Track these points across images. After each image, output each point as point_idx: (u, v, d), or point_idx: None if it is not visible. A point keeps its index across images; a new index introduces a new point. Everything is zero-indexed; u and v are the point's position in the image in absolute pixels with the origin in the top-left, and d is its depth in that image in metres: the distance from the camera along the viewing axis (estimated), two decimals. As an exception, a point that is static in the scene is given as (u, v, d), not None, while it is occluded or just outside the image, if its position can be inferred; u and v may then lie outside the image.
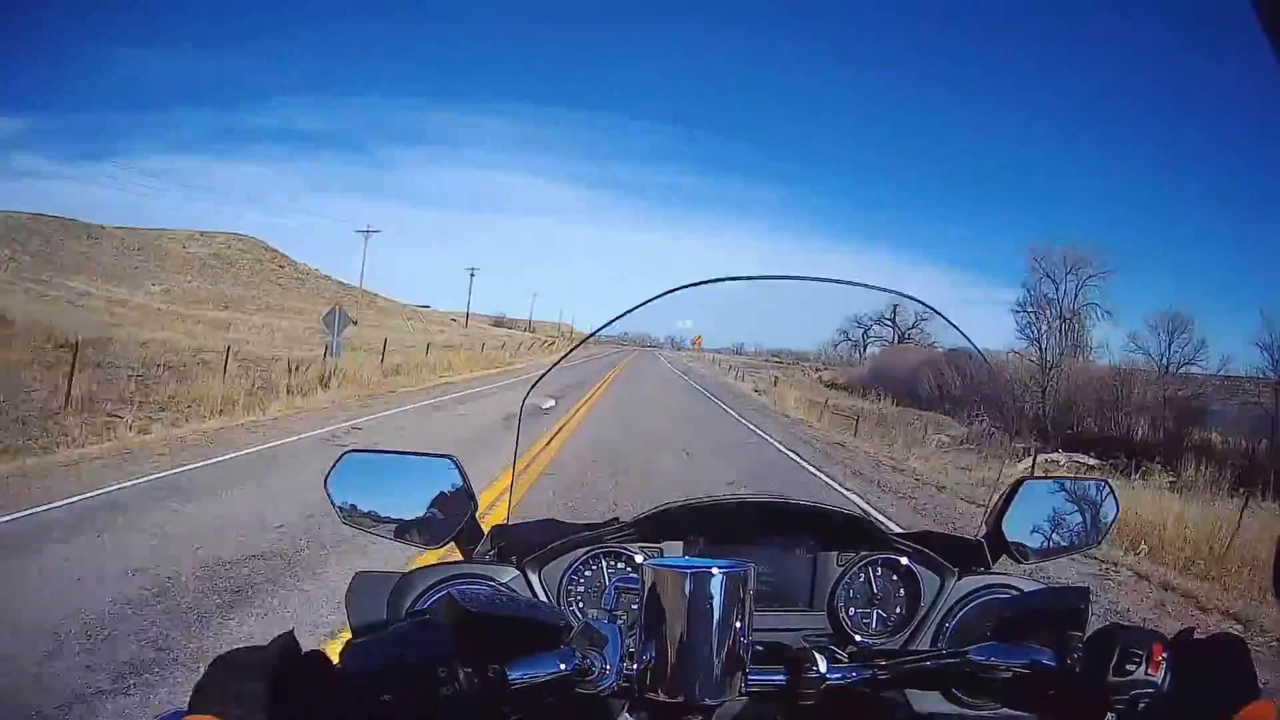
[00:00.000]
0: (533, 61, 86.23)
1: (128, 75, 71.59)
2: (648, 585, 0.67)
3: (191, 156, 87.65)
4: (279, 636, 0.55)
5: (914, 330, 42.26)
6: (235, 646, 0.53)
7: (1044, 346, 28.44)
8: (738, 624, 0.66)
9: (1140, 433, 23.66)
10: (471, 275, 62.70)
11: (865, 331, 47.72)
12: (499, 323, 67.91)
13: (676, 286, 1.03)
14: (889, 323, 45.88)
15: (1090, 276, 28.94)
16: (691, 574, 0.66)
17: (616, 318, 1.06)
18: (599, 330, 1.17)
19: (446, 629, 0.58)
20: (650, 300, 1.02)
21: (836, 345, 49.08)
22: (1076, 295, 29.06)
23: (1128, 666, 0.66)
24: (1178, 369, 26.65)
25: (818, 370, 44.09)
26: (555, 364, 1.37)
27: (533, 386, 1.27)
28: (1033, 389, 26.15)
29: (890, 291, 1.14)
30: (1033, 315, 29.50)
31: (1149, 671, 0.66)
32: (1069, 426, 24.17)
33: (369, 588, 0.98)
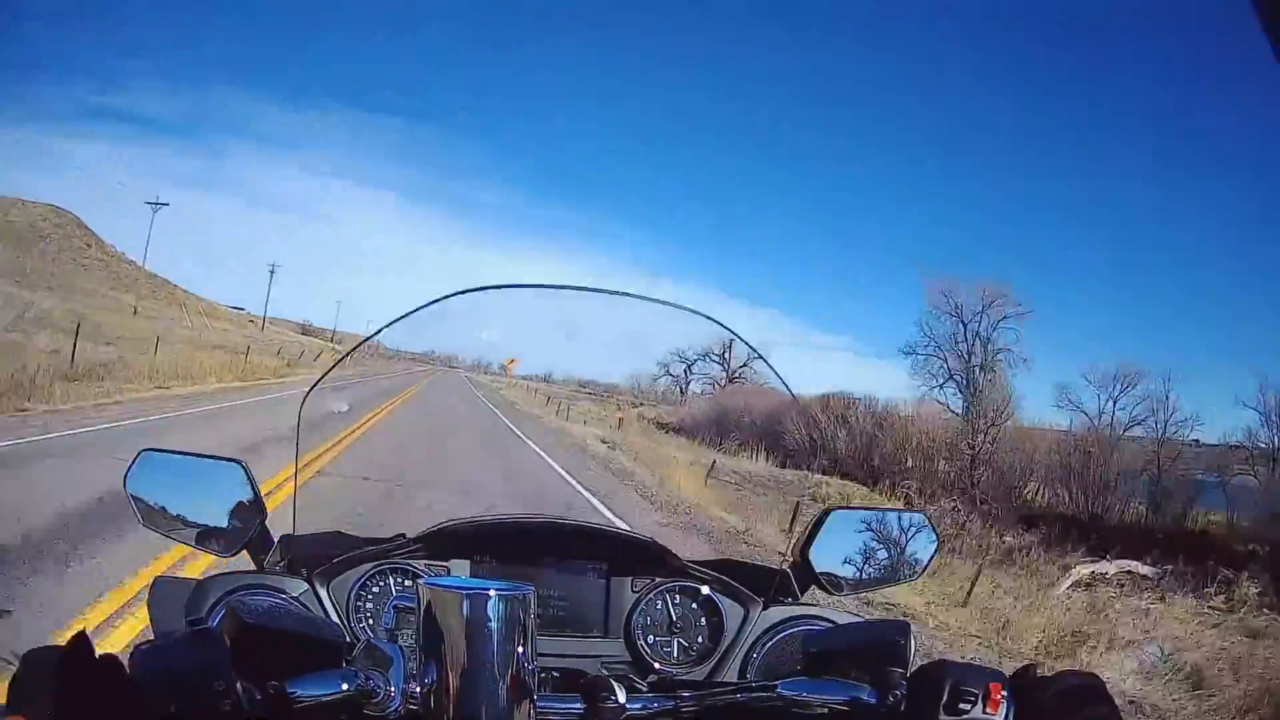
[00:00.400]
0: (371, 63, 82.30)
1: None
2: (424, 605, 0.64)
3: (28, 127, 76.89)
4: (74, 636, 0.53)
5: (744, 369, 35.96)
6: (43, 645, 0.53)
7: (968, 398, 23.07)
8: (520, 649, 0.64)
9: (1128, 514, 18.50)
10: (272, 272, 55.69)
11: (689, 367, 41.43)
12: (306, 330, 63.36)
13: (476, 287, 1.00)
14: (717, 360, 39.71)
15: (1005, 317, 23.77)
16: (468, 595, 0.63)
17: (402, 316, 1.02)
18: (379, 331, 1.10)
19: (223, 640, 0.57)
20: (444, 298, 0.99)
21: (656, 379, 44.06)
22: (990, 338, 23.91)
23: (961, 705, 0.64)
24: (1123, 431, 21.03)
25: (635, 405, 39.51)
26: (325, 374, 1.36)
27: (307, 394, 1.25)
28: (962, 450, 20.22)
29: (705, 317, 1.09)
30: (938, 359, 24.34)
31: (987, 710, 0.64)
32: (1018, 502, 18.80)
33: (169, 593, 0.95)
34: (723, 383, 38.62)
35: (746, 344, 1.33)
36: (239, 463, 1.05)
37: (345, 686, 0.61)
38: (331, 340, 55.54)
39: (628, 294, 1.03)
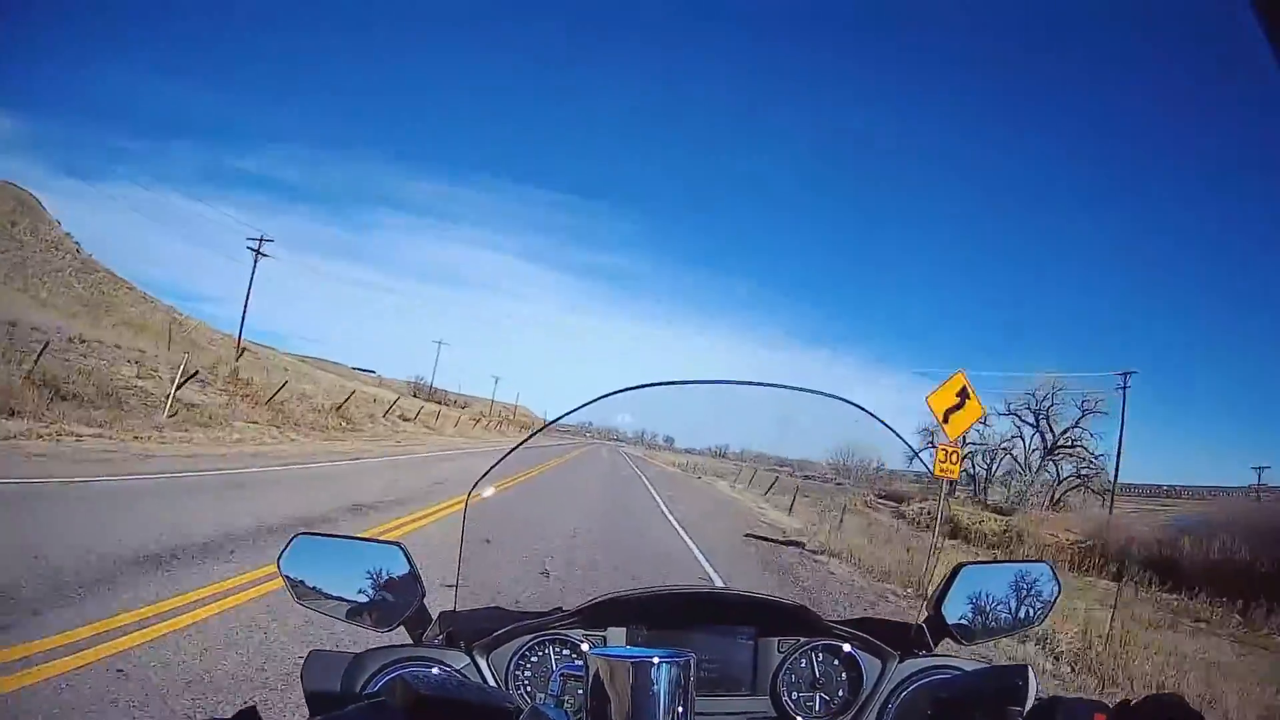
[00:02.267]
0: (512, 138, 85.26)
1: (124, 96, 70.24)
2: (592, 674, 0.69)
3: (174, 189, 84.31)
4: (242, 710, 0.56)
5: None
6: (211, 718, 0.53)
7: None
8: (680, 709, 0.68)
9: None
10: (439, 347, 64.66)
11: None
12: (419, 392, 61.13)
13: (654, 382, 1.07)
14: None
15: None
16: (634, 664, 0.68)
17: (580, 406, 1.09)
18: (562, 417, 1.19)
19: (399, 713, 0.59)
20: (614, 393, 1.06)
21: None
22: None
23: None
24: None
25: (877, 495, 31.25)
26: (509, 452, 1.36)
27: (483, 476, 1.26)
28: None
29: (845, 401, 1.18)
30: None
31: None
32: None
33: (324, 666, 0.98)
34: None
35: (884, 424, 1.32)
36: (398, 545, 1.12)
37: None
38: (457, 404, 57.69)
39: (779, 385, 1.11)
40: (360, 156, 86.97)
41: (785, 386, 1.12)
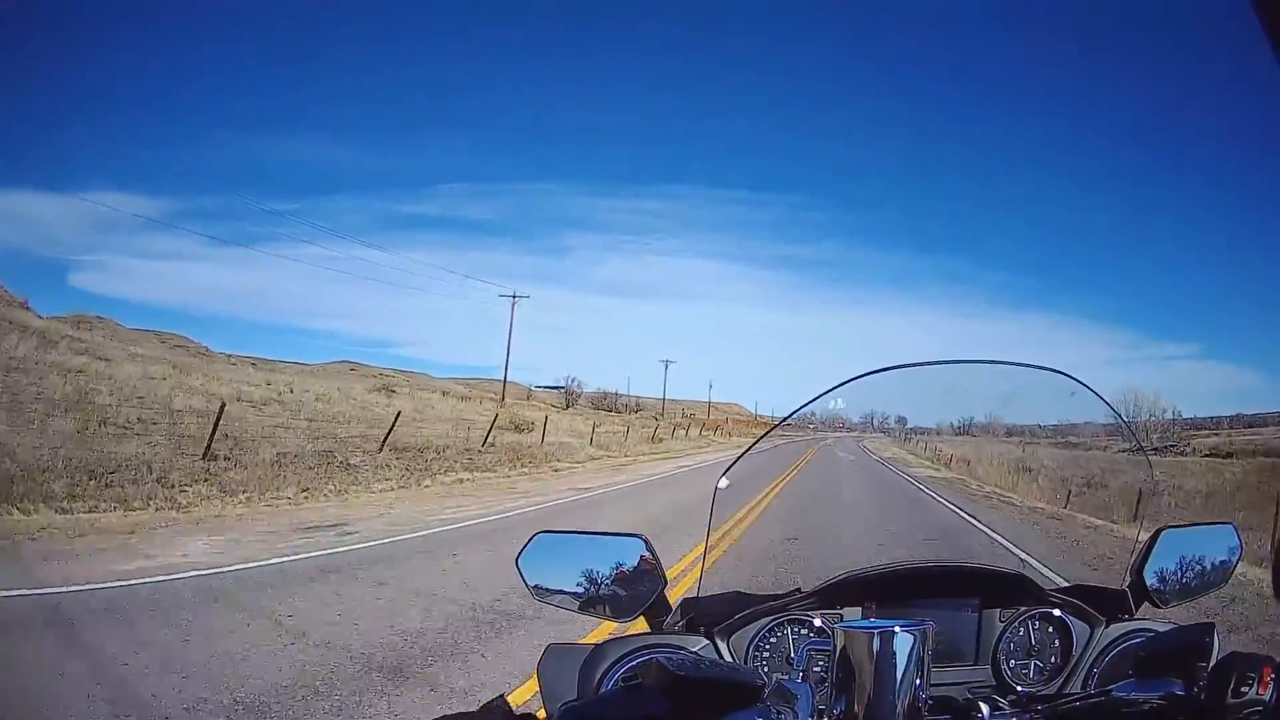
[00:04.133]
0: (689, 141, 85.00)
1: (292, 163, 77.12)
2: (839, 646, 0.74)
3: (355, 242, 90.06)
4: (490, 701, 0.61)
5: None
6: (449, 713, 0.57)
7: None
8: (918, 680, 0.72)
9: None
10: (666, 366, 63.92)
11: None
12: (600, 404, 58.44)
13: (883, 367, 1.10)
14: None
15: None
16: (879, 634, 0.72)
17: (812, 400, 1.13)
18: (796, 411, 1.21)
19: (656, 693, 0.63)
20: (844, 383, 1.10)
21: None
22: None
23: (1243, 689, 0.73)
24: None
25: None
26: (745, 452, 1.40)
27: (725, 472, 1.29)
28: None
29: (1059, 373, 1.17)
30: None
31: (1259, 691, 0.73)
32: None
33: (560, 658, 1.04)
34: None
35: (1098, 395, 1.37)
36: (640, 537, 1.14)
37: None
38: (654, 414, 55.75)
39: (999, 361, 1.13)
40: (537, 183, 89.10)
41: (1002, 362, 1.13)
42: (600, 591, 1.13)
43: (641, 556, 1.14)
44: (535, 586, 1.14)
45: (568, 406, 50.78)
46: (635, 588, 1.13)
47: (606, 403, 59.59)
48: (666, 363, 64.05)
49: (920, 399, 1.39)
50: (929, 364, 1.11)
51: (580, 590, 1.13)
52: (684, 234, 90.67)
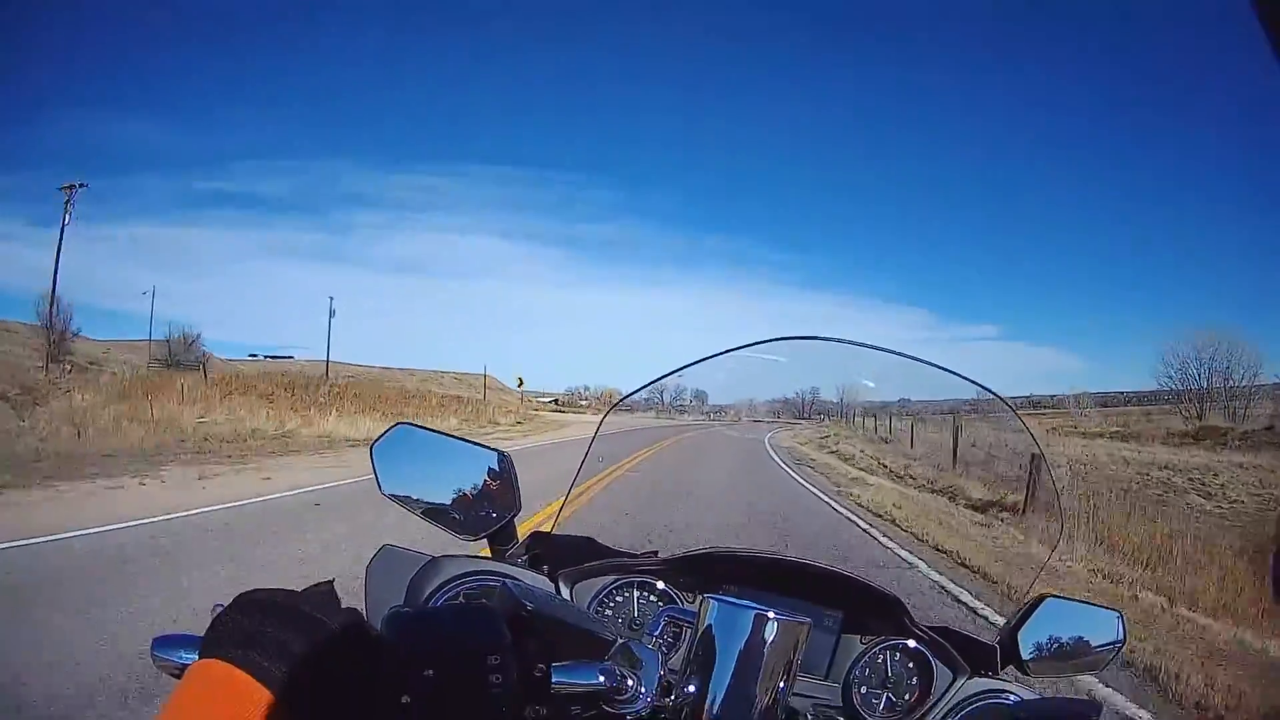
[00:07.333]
0: (476, 119, 78.88)
1: (86, 138, 64.66)
2: (705, 620, 0.69)
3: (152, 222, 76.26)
4: (317, 584, 0.52)
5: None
6: (272, 587, 0.47)
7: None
8: (783, 681, 0.67)
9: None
10: (331, 314, 40.39)
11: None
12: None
13: (768, 340, 1.05)
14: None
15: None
16: (756, 616, 0.67)
17: (681, 368, 1.08)
18: (647, 386, 1.18)
19: (502, 619, 0.57)
20: (711, 357, 1.05)
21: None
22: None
23: None
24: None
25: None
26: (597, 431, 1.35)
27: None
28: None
29: (969, 380, 1.16)
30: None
31: None
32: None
33: (394, 563, 0.97)
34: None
35: (1005, 402, 1.31)
36: (501, 453, 1.07)
37: (602, 679, 0.62)
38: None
39: (907, 355, 1.09)
40: (329, 158, 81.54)
41: (924, 361, 1.10)
42: (449, 502, 1.05)
43: (500, 476, 1.06)
44: (387, 477, 1.05)
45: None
46: (486, 507, 1.05)
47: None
48: (331, 312, 41.29)
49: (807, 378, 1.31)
50: (833, 340, 1.08)
51: (431, 497, 1.05)
52: (462, 211, 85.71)
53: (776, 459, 11.54)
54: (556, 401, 58.10)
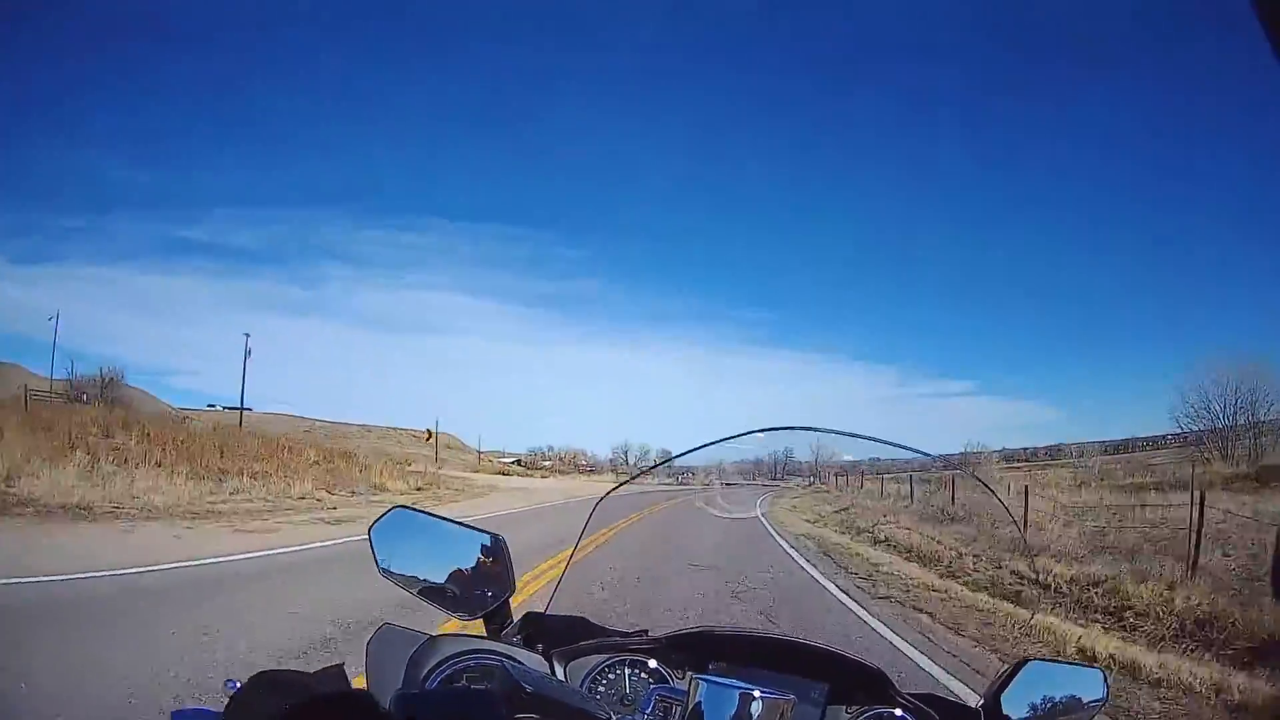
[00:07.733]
0: (450, 176, 76.87)
1: (66, 178, 62.69)
2: (694, 699, 0.73)
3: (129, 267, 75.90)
4: (328, 667, 0.57)
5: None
6: (283, 668, 0.51)
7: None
8: None
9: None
10: (246, 353, 33.48)
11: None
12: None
13: (778, 427, 1.13)
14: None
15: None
16: (740, 695, 0.71)
17: (699, 447, 1.16)
18: (659, 465, 1.26)
19: (501, 701, 0.60)
20: (701, 447, 1.13)
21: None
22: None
23: None
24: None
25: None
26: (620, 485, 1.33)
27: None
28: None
29: (924, 454, 1.30)
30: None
31: None
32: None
33: (393, 641, 0.99)
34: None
35: (978, 478, 1.48)
36: (497, 536, 1.11)
37: None
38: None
39: (877, 439, 1.20)
40: (305, 210, 77.37)
41: (892, 444, 1.22)
42: (446, 582, 1.09)
43: (494, 557, 1.10)
44: (384, 558, 1.09)
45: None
46: (482, 587, 1.09)
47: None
48: (247, 350, 36.64)
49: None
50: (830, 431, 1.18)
51: (428, 577, 1.09)
52: (430, 267, 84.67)
53: (822, 582, 8.44)
54: (519, 462, 56.63)
